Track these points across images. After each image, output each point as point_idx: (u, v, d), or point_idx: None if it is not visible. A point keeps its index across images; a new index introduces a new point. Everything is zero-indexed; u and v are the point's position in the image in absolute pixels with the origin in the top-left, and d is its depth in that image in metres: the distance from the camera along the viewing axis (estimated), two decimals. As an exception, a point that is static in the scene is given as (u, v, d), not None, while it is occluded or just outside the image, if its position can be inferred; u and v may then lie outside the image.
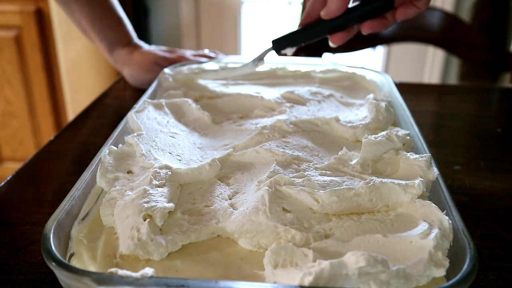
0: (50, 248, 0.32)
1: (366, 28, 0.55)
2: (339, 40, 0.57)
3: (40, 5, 1.59)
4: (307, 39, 0.59)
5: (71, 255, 0.36)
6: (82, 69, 1.84)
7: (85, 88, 1.86)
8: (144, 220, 0.35)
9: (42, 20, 1.61)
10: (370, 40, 1.19)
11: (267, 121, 0.56)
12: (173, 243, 0.35)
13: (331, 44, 0.58)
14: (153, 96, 0.66)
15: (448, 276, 0.31)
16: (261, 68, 0.79)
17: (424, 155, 0.43)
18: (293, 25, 2.24)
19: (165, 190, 0.40)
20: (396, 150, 0.46)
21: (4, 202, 0.52)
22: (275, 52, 0.60)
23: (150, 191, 0.39)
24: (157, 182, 0.40)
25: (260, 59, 0.64)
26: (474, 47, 1.15)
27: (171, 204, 0.37)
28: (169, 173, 0.42)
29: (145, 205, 0.36)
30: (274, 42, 0.60)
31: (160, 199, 0.38)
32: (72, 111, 1.76)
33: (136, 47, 0.88)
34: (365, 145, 0.45)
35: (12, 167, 1.77)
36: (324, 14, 0.54)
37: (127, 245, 0.34)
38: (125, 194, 0.39)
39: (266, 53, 0.63)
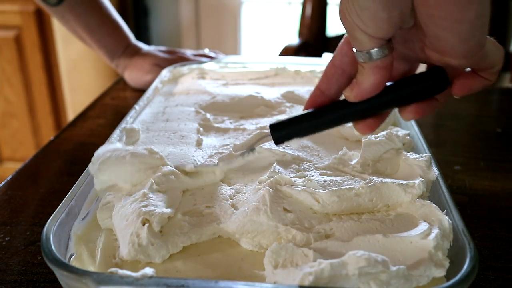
0: (50, 248, 0.32)
1: (409, 114, 0.37)
2: (368, 128, 0.38)
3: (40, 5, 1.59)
4: (321, 128, 0.39)
5: (71, 255, 0.36)
6: (82, 69, 1.84)
7: (85, 88, 1.86)
8: (143, 225, 0.35)
9: (42, 20, 1.61)
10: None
11: (267, 121, 0.56)
12: (174, 244, 0.35)
13: (356, 131, 0.39)
14: (152, 96, 0.66)
15: (448, 276, 0.31)
16: (260, 68, 0.79)
17: (424, 155, 0.43)
18: (292, 26, 2.23)
19: (166, 195, 0.39)
20: (396, 150, 0.46)
21: (4, 202, 0.52)
22: (273, 142, 0.40)
23: (150, 195, 0.38)
24: (157, 187, 0.40)
25: (251, 149, 0.44)
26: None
27: (169, 210, 0.37)
28: (173, 177, 0.41)
29: (143, 209, 0.36)
30: (273, 128, 0.39)
31: (160, 203, 0.38)
32: (72, 111, 1.76)
33: (136, 49, 0.88)
34: (365, 145, 0.45)
35: (12, 167, 1.77)
36: (353, 95, 0.36)
37: (128, 251, 0.34)
38: (123, 198, 0.39)
39: (260, 142, 0.43)
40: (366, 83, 0.35)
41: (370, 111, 0.37)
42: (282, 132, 0.39)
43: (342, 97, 0.38)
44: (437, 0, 0.29)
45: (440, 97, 0.37)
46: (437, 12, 0.30)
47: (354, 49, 0.35)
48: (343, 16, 0.32)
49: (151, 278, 0.29)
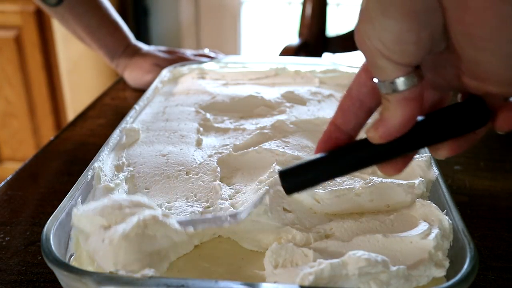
0: (50, 248, 0.32)
1: (443, 152, 0.31)
2: (395, 171, 0.32)
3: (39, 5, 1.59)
4: (340, 175, 0.32)
5: (71, 255, 0.36)
6: (82, 69, 1.84)
7: (85, 88, 1.86)
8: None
9: (42, 20, 1.61)
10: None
11: (267, 121, 0.56)
12: (175, 251, 0.35)
13: (380, 172, 0.33)
14: (152, 96, 0.66)
15: (448, 276, 0.31)
16: (260, 68, 0.79)
17: (424, 155, 0.43)
18: (292, 26, 2.22)
19: (151, 242, 0.32)
20: (396, 150, 0.46)
21: (4, 202, 0.52)
22: (284, 192, 0.33)
23: (125, 241, 0.31)
24: (143, 230, 0.32)
25: (260, 202, 0.37)
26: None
27: (146, 271, 0.30)
28: (177, 228, 0.33)
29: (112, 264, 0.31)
30: (284, 176, 0.32)
31: (137, 255, 0.31)
32: (72, 111, 1.76)
33: (136, 50, 0.88)
34: (365, 145, 0.45)
35: (12, 167, 1.77)
36: (378, 136, 0.29)
37: None
38: (98, 231, 0.33)
39: (269, 196, 0.38)
40: (394, 120, 0.29)
41: (398, 152, 0.30)
42: (294, 180, 0.32)
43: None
44: (476, 16, 0.24)
45: (478, 130, 0.31)
46: (476, 31, 0.24)
47: (375, 80, 0.29)
48: (361, 40, 0.27)
49: (151, 278, 0.29)
